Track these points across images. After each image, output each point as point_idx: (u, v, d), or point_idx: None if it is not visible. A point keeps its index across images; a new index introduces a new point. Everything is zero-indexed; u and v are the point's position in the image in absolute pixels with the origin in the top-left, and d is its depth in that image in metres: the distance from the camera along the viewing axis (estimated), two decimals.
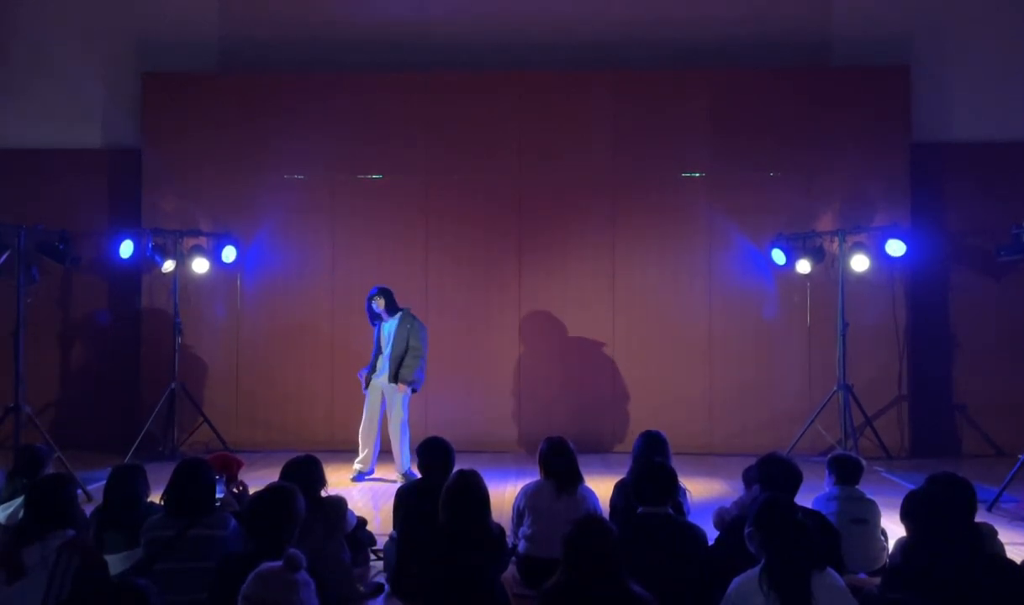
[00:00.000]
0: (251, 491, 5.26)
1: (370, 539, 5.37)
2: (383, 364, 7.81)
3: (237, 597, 3.03)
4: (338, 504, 4.61)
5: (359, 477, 7.79)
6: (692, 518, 4.74)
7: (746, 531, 3.50)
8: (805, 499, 4.56)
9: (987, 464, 8.51)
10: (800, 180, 9.37)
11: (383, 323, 7.87)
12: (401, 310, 7.86)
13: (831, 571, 3.35)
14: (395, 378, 7.69)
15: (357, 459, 7.87)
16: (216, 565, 3.64)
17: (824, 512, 4.58)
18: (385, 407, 7.85)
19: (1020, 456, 6.76)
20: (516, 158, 9.50)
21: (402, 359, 7.71)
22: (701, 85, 9.47)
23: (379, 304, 7.82)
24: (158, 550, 3.92)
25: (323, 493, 4.62)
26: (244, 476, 5.50)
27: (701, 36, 9.65)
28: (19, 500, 4.68)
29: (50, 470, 5.13)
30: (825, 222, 9.25)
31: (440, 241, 9.50)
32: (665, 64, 9.67)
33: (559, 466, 4.88)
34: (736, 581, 3.38)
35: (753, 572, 3.33)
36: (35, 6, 9.90)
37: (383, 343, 7.84)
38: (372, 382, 7.85)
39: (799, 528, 3.41)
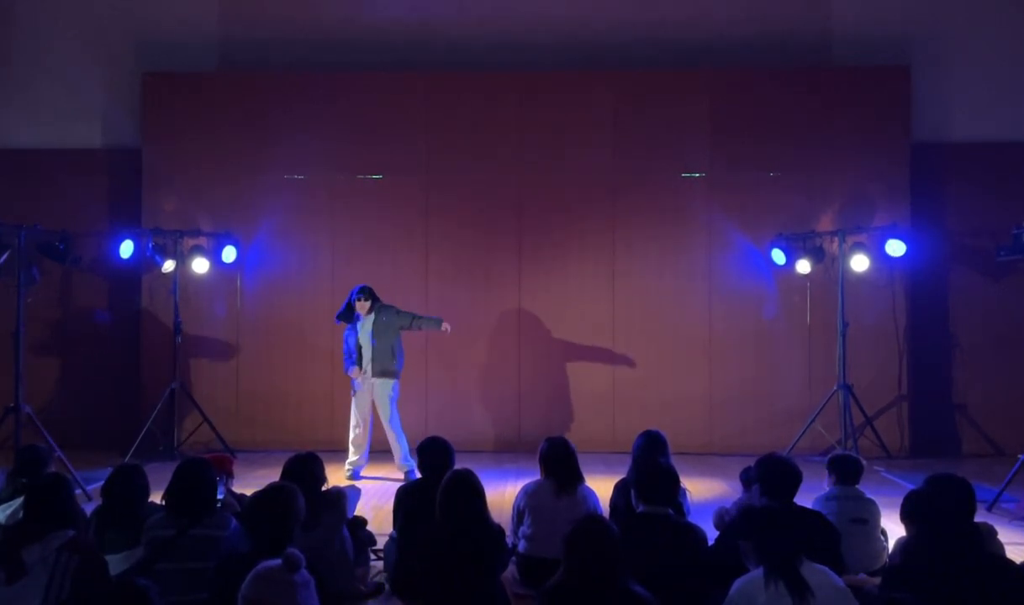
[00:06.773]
0: (240, 490, 5.26)
1: (370, 539, 5.36)
2: (367, 363, 7.79)
3: (237, 597, 3.03)
4: (338, 494, 4.62)
5: (355, 474, 7.79)
6: (692, 518, 4.74)
7: (741, 548, 3.50)
8: (805, 499, 4.56)
9: (987, 464, 8.52)
10: (800, 180, 9.37)
11: (359, 322, 7.85)
12: (374, 306, 7.84)
13: (830, 571, 3.35)
14: (380, 373, 7.69)
15: (347, 461, 7.87)
16: (216, 565, 3.64)
17: (824, 512, 4.57)
18: (375, 408, 7.84)
19: (1020, 456, 6.75)
20: (516, 158, 9.50)
21: (391, 351, 7.71)
22: (701, 85, 9.48)
23: (363, 308, 7.80)
24: (159, 550, 3.91)
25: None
26: (245, 476, 5.50)
27: (701, 36, 9.66)
28: (19, 500, 4.68)
29: (50, 470, 5.13)
30: (825, 222, 9.26)
31: (440, 241, 9.50)
32: (665, 64, 9.68)
33: (559, 466, 4.87)
34: (738, 582, 3.37)
35: (755, 574, 3.33)
36: (35, 6, 9.90)
37: (363, 341, 7.81)
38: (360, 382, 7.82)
39: (783, 525, 3.42)
